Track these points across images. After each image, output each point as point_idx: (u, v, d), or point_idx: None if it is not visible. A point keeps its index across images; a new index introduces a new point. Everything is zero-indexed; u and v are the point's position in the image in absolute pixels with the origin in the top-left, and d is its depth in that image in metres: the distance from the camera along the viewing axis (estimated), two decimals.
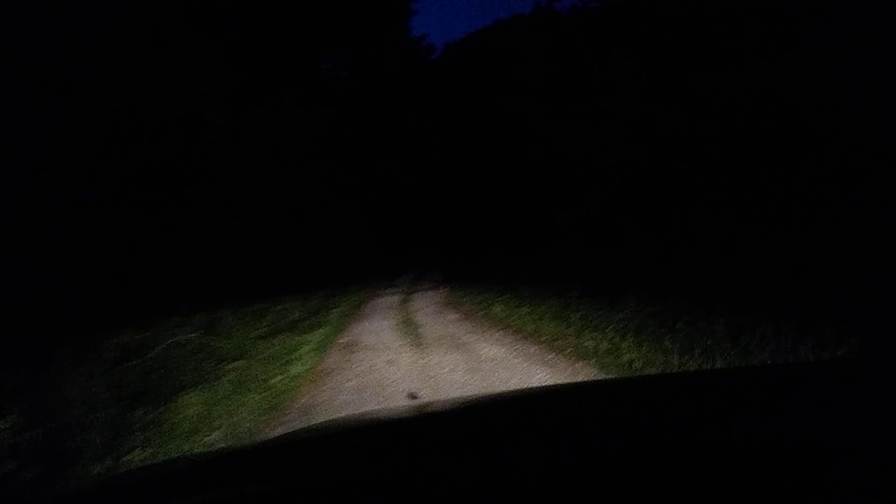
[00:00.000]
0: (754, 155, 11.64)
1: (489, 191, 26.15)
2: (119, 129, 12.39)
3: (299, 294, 14.20)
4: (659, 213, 13.24)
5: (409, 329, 9.81)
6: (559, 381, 5.63)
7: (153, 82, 13.39)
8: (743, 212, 11.06)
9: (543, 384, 5.48)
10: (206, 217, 14.49)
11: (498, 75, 25.59)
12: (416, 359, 7.37)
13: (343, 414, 4.85)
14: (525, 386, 5.51)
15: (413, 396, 5.58)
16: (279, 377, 6.78)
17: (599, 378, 5.62)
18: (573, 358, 6.63)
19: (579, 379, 5.69)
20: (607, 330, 7.44)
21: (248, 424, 5.22)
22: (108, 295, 9.76)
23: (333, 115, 27.54)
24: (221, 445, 4.74)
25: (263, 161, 19.23)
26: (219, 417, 5.48)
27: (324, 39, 28.15)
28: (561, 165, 17.78)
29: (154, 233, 12.36)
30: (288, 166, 20.84)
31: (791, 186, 10.64)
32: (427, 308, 12.48)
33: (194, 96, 15.23)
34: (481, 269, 18.32)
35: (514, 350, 7.37)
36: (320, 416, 5.09)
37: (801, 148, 10.85)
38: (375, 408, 5.14)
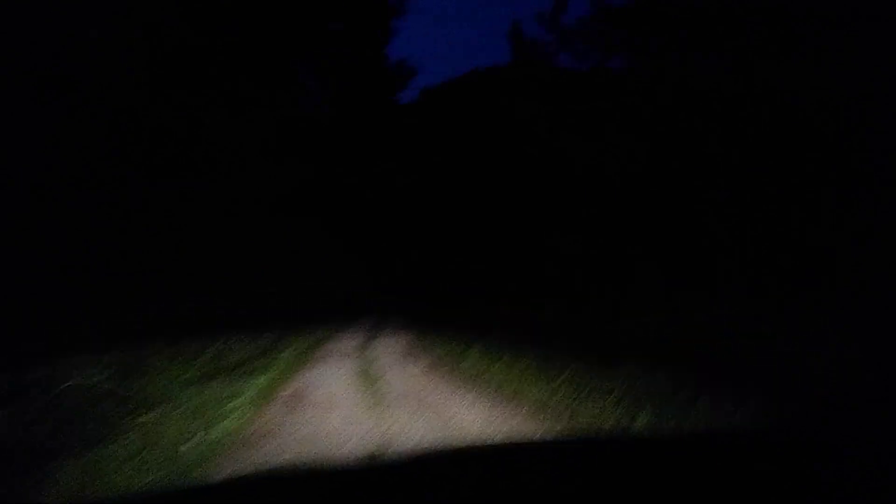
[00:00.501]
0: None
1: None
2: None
3: (246, 329, 12.61)
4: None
5: (368, 382, 8.41)
6: None
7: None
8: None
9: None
10: (139, 228, 12.92)
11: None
12: (374, 423, 5.98)
13: None
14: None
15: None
16: (194, 441, 5.29)
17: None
18: (565, 433, 5.35)
19: None
20: (606, 400, 6.17)
21: None
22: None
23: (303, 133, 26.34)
24: None
25: (224, 167, 17.83)
26: None
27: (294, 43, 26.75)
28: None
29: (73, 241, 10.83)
30: (250, 177, 19.53)
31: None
32: (389, 356, 11.07)
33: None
34: (450, 310, 16.98)
35: (492, 419, 6.05)
36: None
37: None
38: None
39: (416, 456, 1.64)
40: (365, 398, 7.26)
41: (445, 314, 15.74)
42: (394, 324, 17.19)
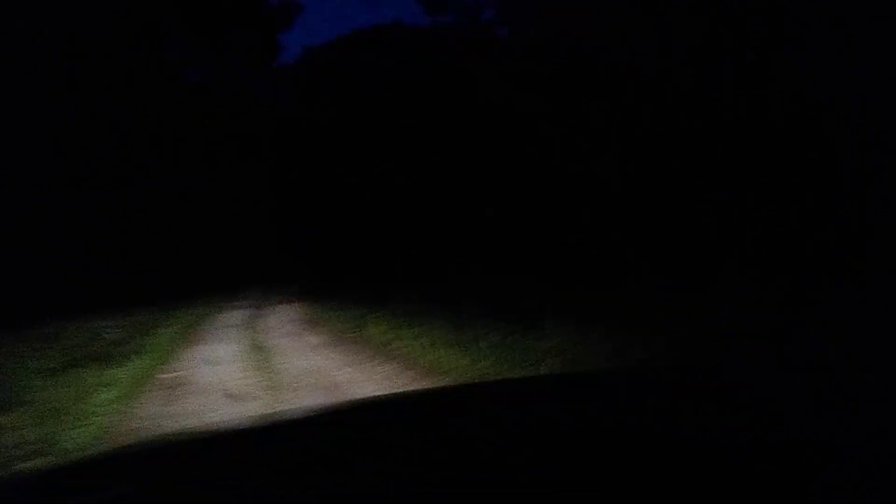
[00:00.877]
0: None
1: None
2: None
3: (121, 308, 11.24)
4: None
5: (261, 359, 7.54)
6: None
7: None
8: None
9: None
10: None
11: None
12: (270, 410, 5.19)
13: None
14: None
15: None
16: (42, 456, 4.25)
17: None
18: None
19: None
20: (538, 364, 5.70)
21: None
22: None
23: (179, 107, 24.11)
24: None
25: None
26: None
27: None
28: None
29: None
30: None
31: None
32: (282, 328, 10.18)
33: None
34: (345, 281, 16.12)
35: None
36: None
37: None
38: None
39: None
40: (259, 378, 6.42)
41: (335, 289, 14.79)
42: (279, 297, 16.11)
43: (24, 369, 6.75)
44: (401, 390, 5.14)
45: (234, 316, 12.20)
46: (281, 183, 28.31)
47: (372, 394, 5.53)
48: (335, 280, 17.21)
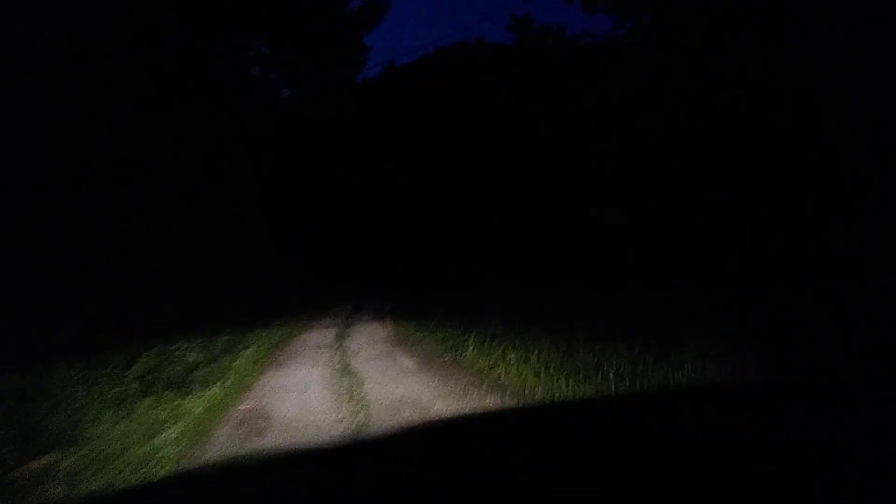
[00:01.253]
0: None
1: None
2: None
3: (201, 328, 10.70)
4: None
5: (347, 385, 6.66)
6: None
7: None
8: None
9: None
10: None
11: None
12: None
13: None
14: None
15: None
16: None
17: None
18: None
19: None
20: None
21: None
22: None
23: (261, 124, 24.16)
24: None
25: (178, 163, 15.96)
26: None
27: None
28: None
29: None
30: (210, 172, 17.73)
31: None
32: (370, 349, 9.33)
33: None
34: (434, 294, 15.20)
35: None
36: None
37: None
38: None
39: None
40: (348, 410, 5.53)
41: (424, 302, 13.90)
42: (369, 315, 15.35)
43: (96, 399, 6.15)
44: None
45: (314, 336, 11.50)
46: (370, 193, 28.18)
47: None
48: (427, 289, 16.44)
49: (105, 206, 11.67)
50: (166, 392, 6.41)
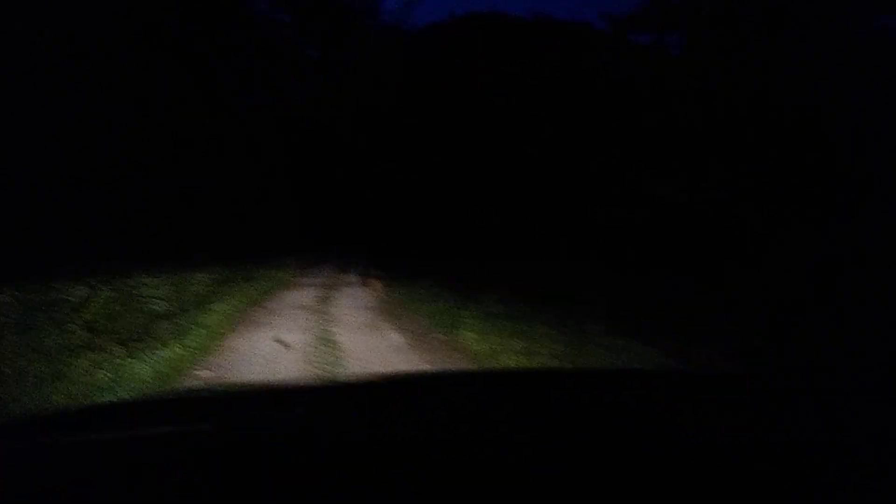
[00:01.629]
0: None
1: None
2: None
3: (171, 273, 9.72)
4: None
5: (327, 359, 5.81)
6: None
7: None
8: None
9: None
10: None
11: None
12: None
13: None
14: None
15: None
16: None
17: None
18: None
19: None
20: None
21: None
22: None
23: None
24: None
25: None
26: None
27: None
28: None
29: None
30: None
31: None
32: (354, 316, 8.47)
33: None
34: (428, 264, 14.28)
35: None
36: None
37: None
38: None
39: None
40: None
41: (413, 269, 13.02)
42: (355, 276, 14.44)
43: (32, 348, 5.24)
44: None
45: (296, 296, 10.64)
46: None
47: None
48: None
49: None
50: (115, 347, 5.52)
